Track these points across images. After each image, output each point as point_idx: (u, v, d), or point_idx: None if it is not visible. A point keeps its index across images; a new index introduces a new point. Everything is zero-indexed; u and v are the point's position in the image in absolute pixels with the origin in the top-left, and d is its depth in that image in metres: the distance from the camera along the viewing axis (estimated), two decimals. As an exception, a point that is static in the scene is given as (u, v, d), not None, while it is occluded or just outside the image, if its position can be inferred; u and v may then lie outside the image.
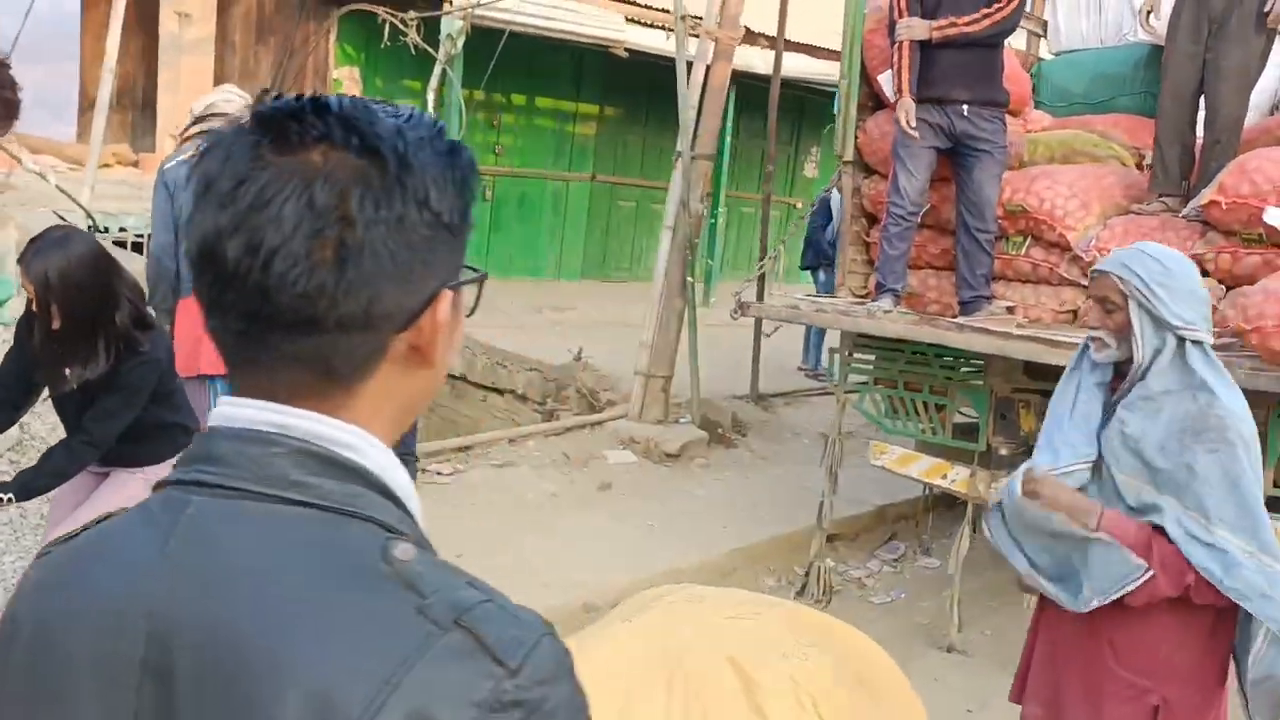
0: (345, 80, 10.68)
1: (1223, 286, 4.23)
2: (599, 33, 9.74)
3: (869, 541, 6.21)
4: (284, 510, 0.75)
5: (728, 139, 12.23)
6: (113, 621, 0.75)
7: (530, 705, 0.71)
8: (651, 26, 10.24)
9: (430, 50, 9.17)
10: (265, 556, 0.74)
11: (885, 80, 4.94)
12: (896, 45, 4.62)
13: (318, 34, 10.53)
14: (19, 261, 3.03)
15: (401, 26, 9.35)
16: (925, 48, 4.60)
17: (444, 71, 9.10)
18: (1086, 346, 2.43)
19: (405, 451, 5.67)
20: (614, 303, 11.48)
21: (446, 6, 8.99)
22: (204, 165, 0.78)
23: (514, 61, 9.96)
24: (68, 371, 3.07)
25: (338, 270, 0.75)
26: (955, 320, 4.57)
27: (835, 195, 9.42)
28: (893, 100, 4.80)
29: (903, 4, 4.64)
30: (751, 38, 11.24)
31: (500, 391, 9.01)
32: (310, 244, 0.74)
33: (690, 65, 7.00)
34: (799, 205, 14.62)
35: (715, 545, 5.46)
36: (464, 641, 0.71)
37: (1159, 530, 2.20)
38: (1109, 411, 2.31)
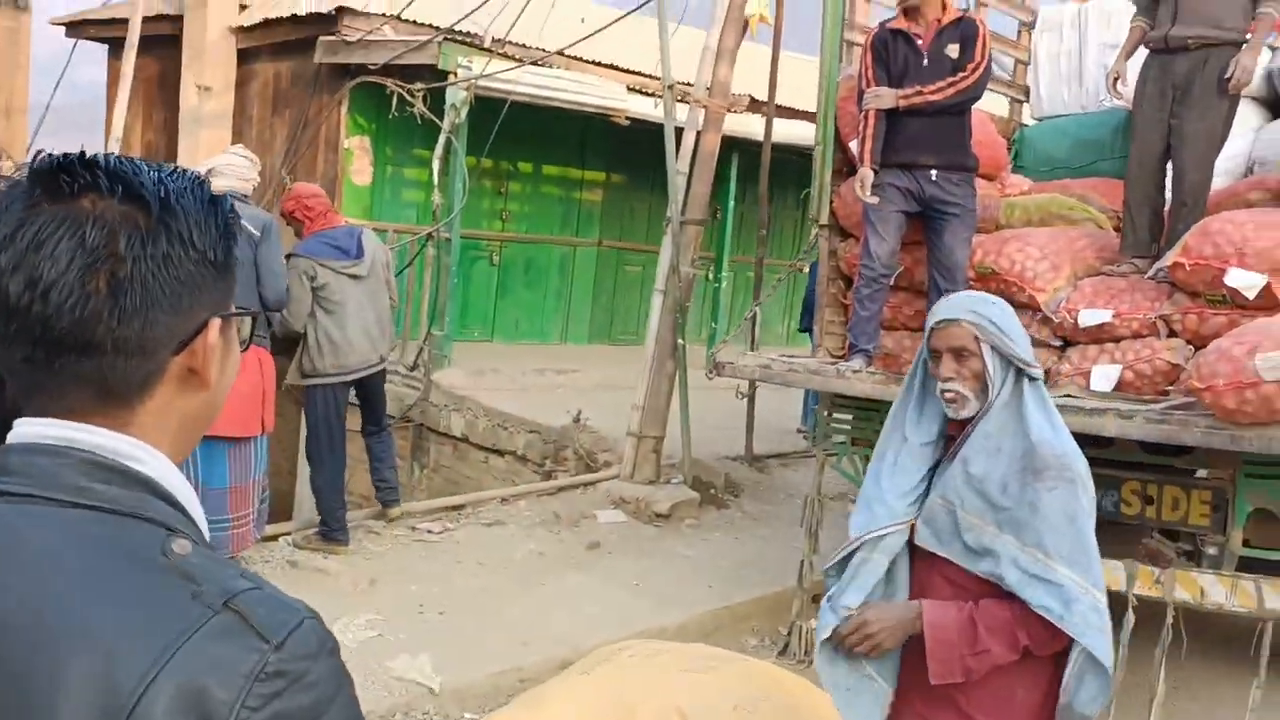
0: (356, 149, 10.93)
1: (1190, 346, 4.28)
2: (601, 102, 9.95)
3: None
4: (71, 513, 0.84)
5: (731, 204, 12.42)
6: None
7: (292, 676, 0.80)
8: (653, 95, 10.46)
9: (436, 120, 9.42)
10: (52, 550, 0.83)
11: (856, 146, 5.06)
12: (862, 116, 4.75)
13: (329, 106, 10.80)
14: None
15: (409, 97, 9.63)
16: (893, 114, 4.73)
17: (449, 140, 9.33)
18: (905, 404, 2.44)
19: (377, 429, 5.76)
20: (618, 366, 11.56)
21: (451, 78, 9.23)
22: (8, 217, 0.88)
23: (520, 130, 10.18)
24: None
25: (111, 299, 0.86)
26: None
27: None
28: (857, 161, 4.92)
29: (870, 74, 4.78)
30: (755, 105, 11.47)
31: (501, 453, 9.08)
32: (84, 276, 0.85)
33: (681, 132, 7.16)
34: (804, 269, 14.76)
35: (699, 605, 5.47)
36: (233, 621, 0.80)
37: (992, 587, 2.22)
38: (951, 455, 2.34)
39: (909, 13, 4.79)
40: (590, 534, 6.33)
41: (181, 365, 0.91)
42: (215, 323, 0.93)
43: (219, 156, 5.05)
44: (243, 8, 11.47)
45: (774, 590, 5.77)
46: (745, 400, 8.11)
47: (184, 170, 0.93)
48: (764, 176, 7.57)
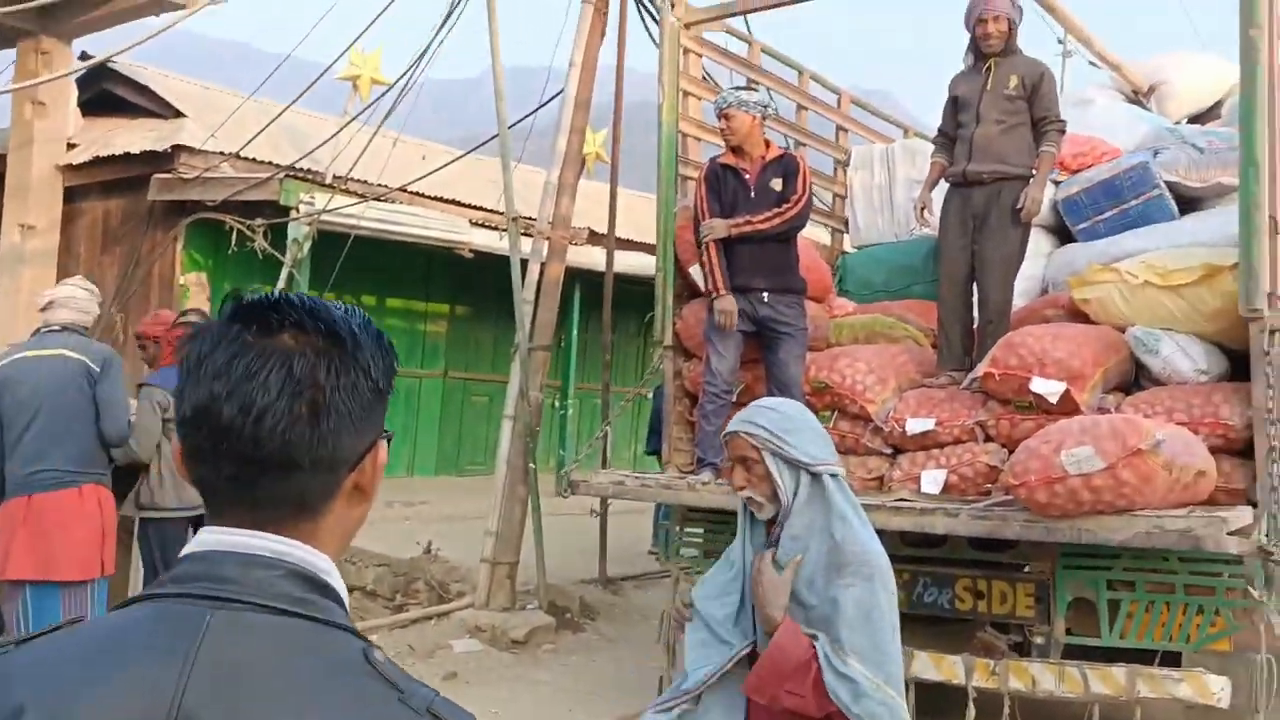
0: (192, 285, 10.78)
1: (1005, 450, 4.65)
2: (445, 235, 10.15)
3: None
4: (287, 621, 0.94)
5: (574, 333, 12.71)
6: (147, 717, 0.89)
7: None
8: (495, 228, 10.74)
9: (277, 255, 9.42)
10: (280, 658, 0.92)
11: (695, 272, 5.38)
12: (704, 246, 5.07)
13: (164, 243, 10.67)
14: None
15: (249, 232, 9.62)
16: (727, 243, 5.07)
17: (291, 274, 9.33)
18: (745, 508, 2.61)
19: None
20: (467, 496, 11.52)
21: (294, 213, 9.29)
22: (193, 346, 1.01)
23: (363, 264, 10.24)
24: None
25: (312, 424, 0.98)
26: None
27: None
28: (705, 289, 5.23)
29: (705, 205, 5.13)
30: (595, 238, 11.88)
31: (349, 589, 8.87)
32: (291, 403, 0.97)
33: (526, 263, 7.40)
34: (649, 395, 15.14)
35: (559, 730, 5.47)
36: None
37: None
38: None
39: (736, 150, 5.20)
40: (446, 665, 6.25)
41: (353, 481, 1.03)
42: (382, 443, 1.06)
43: (59, 289, 4.97)
44: (71, 146, 11.28)
45: (634, 710, 5.80)
46: (598, 522, 8.22)
47: (355, 309, 1.06)
48: (607, 304, 7.86)
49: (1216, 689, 4.02)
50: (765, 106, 5.20)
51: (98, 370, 4.67)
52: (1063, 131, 5.05)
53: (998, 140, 4.99)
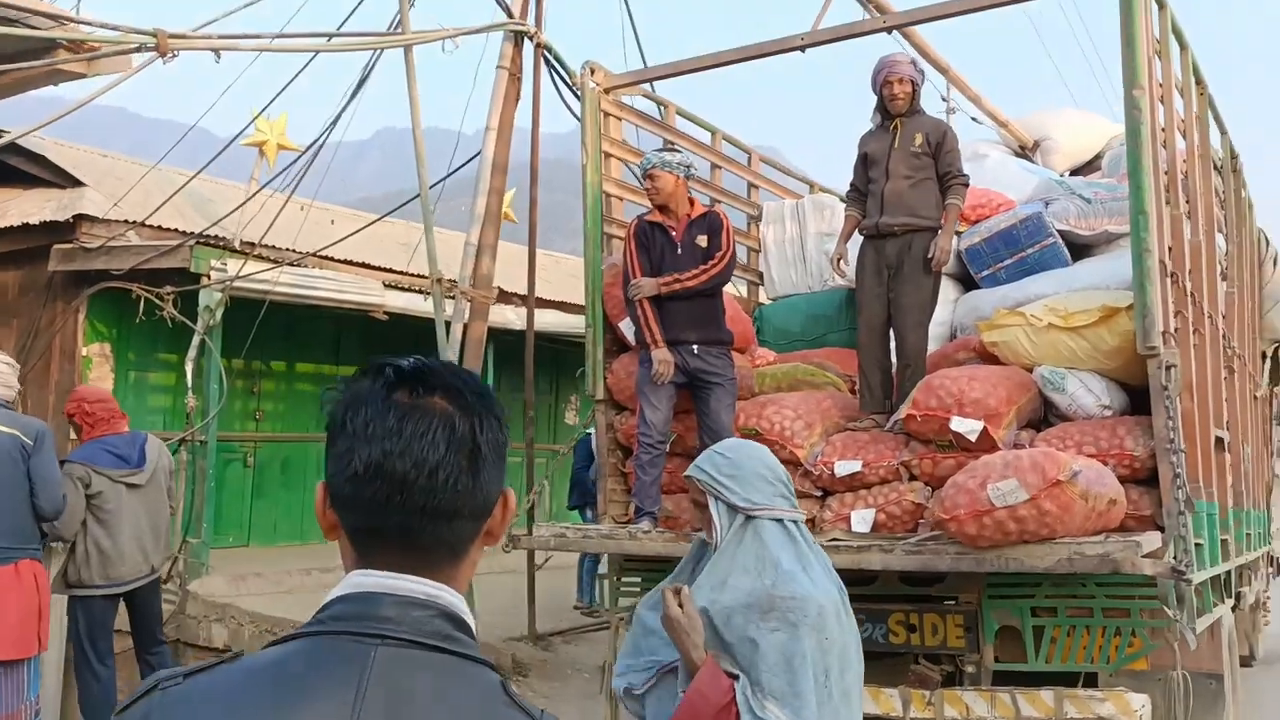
0: (95, 356, 10.53)
1: (929, 487, 4.88)
2: (359, 298, 10.14)
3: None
4: (440, 657, 1.06)
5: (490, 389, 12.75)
6: None
7: None
8: (408, 290, 10.77)
9: (189, 322, 9.31)
10: (438, 688, 1.05)
11: (625, 327, 5.54)
12: (637, 303, 5.23)
13: (65, 314, 10.42)
14: None
15: (158, 301, 9.48)
16: (656, 298, 5.25)
17: (203, 342, 9.22)
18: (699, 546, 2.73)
19: (154, 644, 5.48)
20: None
21: (204, 280, 9.19)
22: (353, 411, 1.12)
23: (271, 329, 10.14)
24: None
25: (473, 475, 1.12)
26: None
27: (594, 437, 10.00)
28: (634, 344, 5.38)
29: (635, 261, 5.30)
30: (505, 297, 11.97)
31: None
32: (457, 458, 1.10)
33: (449, 324, 7.47)
34: (563, 450, 15.20)
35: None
36: None
37: None
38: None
39: (662, 209, 5.39)
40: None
41: (488, 527, 1.17)
42: (510, 490, 1.18)
43: None
44: (-40, 218, 10.98)
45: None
46: (519, 580, 8.25)
47: (473, 372, 1.25)
48: (529, 362, 7.98)
49: (1137, 706, 4.26)
50: (688, 166, 5.42)
51: (31, 444, 4.61)
52: (966, 185, 5.38)
53: (907, 194, 5.28)
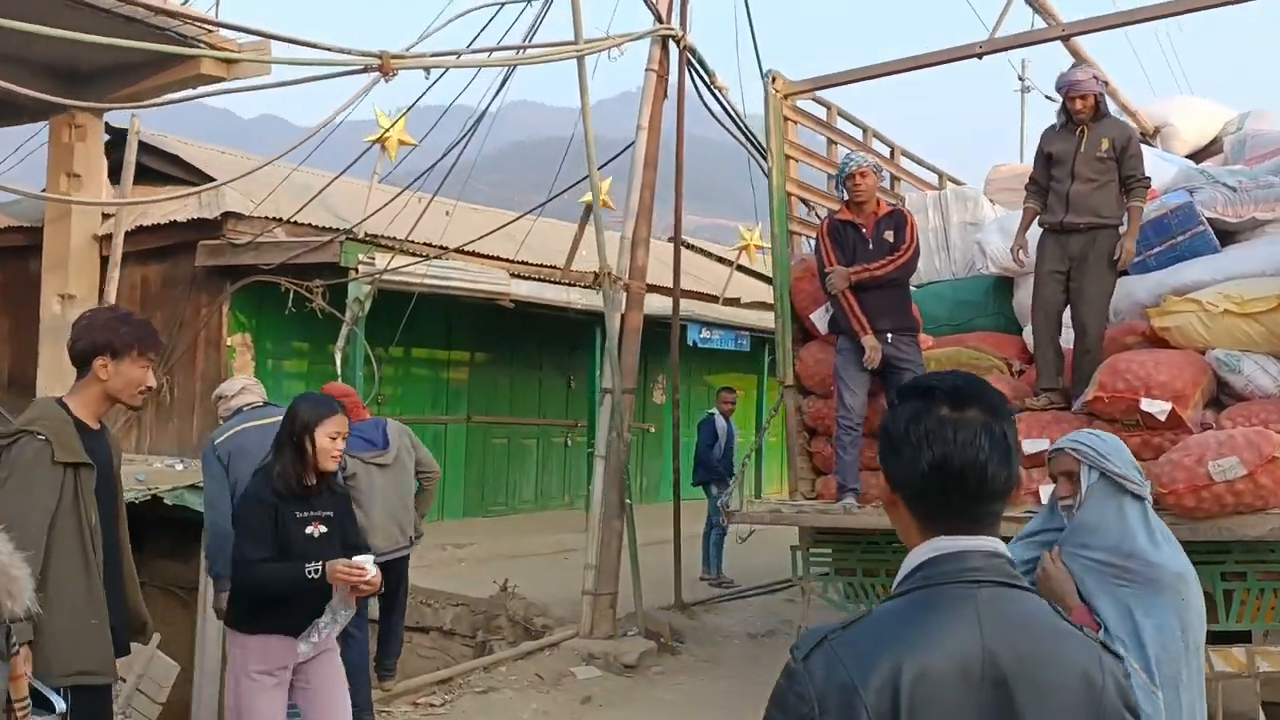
0: (238, 346, 11.11)
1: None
2: (490, 287, 10.64)
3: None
4: (1015, 590, 1.51)
5: (597, 373, 13.23)
6: (965, 664, 1.43)
7: None
8: (531, 279, 11.27)
9: (337, 314, 9.84)
10: (1028, 612, 1.50)
11: (817, 318, 5.97)
12: (841, 295, 5.66)
13: (210, 306, 10.99)
14: None
15: (307, 295, 10.01)
16: (856, 290, 5.68)
17: (351, 332, 9.75)
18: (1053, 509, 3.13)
19: (394, 607, 6.05)
20: (502, 536, 11.99)
21: (352, 274, 9.71)
22: (914, 425, 1.55)
23: (387, 316, 10.55)
24: None
25: (1007, 467, 1.54)
26: None
27: (719, 418, 10.45)
28: (826, 332, 5.81)
29: (830, 255, 5.73)
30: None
31: (425, 630, 9.23)
32: (998, 455, 1.53)
33: (599, 316, 7.92)
34: (652, 429, 15.71)
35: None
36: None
37: None
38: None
39: (853, 207, 5.81)
40: (577, 690, 6.71)
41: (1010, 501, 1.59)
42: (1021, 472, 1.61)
43: (236, 380, 5.50)
44: (105, 217, 11.56)
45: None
46: (646, 553, 8.74)
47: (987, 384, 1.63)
48: (674, 350, 8.41)
49: (1321, 659, 4.67)
50: (880, 167, 5.83)
51: None
52: (1148, 188, 5.73)
53: (1092, 196, 5.65)
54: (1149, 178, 5.77)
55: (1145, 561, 2.86)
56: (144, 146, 11.83)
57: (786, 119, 6.30)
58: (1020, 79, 18.51)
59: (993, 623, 1.45)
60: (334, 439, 3.61)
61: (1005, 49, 5.77)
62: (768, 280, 15.77)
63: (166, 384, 10.99)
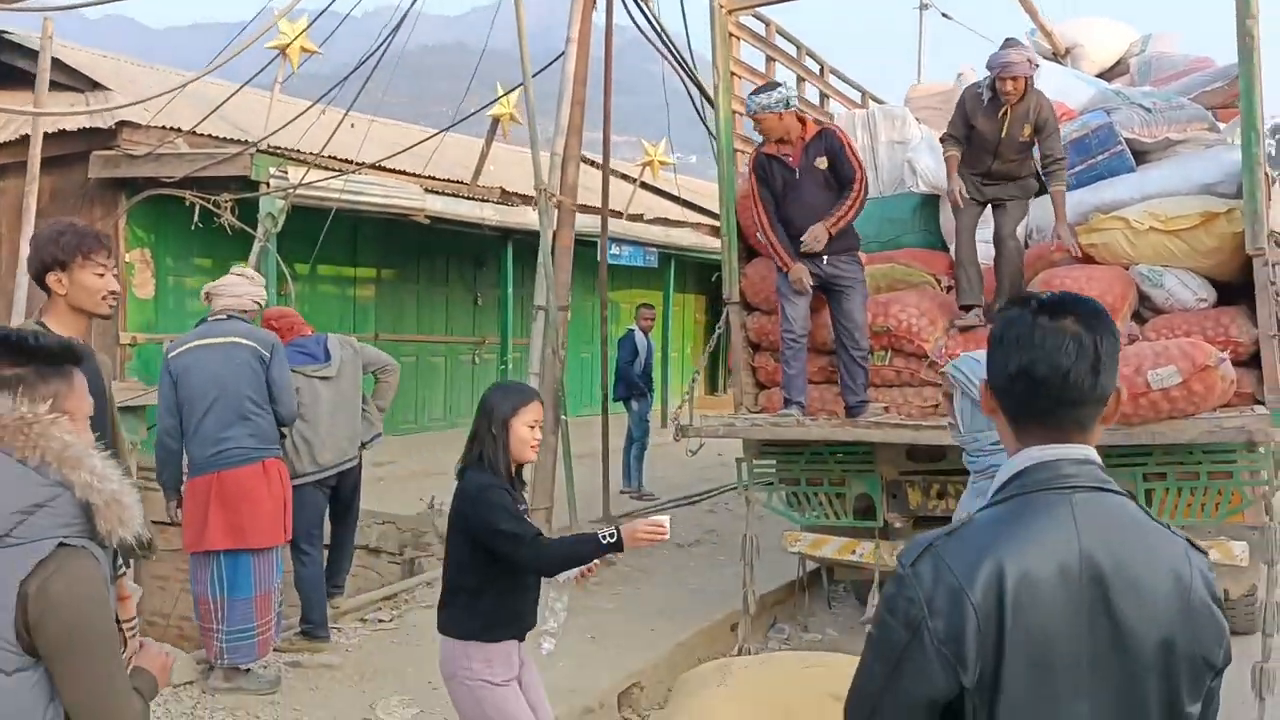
0: (137, 262, 10.69)
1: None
2: (405, 203, 10.43)
3: (756, 628, 7.10)
4: (1104, 493, 1.60)
5: (509, 290, 13.16)
6: (1064, 564, 1.54)
7: None
8: (447, 195, 11.08)
9: (249, 229, 9.53)
10: (1119, 513, 1.60)
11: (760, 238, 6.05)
12: (762, 232, 5.84)
13: (105, 221, 10.51)
14: None
15: (214, 209, 9.66)
16: (785, 218, 5.81)
17: (264, 248, 9.48)
18: None
19: (346, 519, 6.03)
20: (420, 452, 11.97)
21: (264, 188, 9.40)
22: (1008, 329, 1.65)
23: (295, 233, 10.28)
24: None
25: (1094, 376, 1.61)
26: (873, 420, 5.64)
27: (638, 334, 10.56)
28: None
29: (760, 206, 5.83)
30: (525, 199, 12.33)
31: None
32: (1083, 364, 1.60)
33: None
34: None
35: (656, 646, 6.16)
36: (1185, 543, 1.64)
37: None
38: None
39: (777, 141, 5.84)
40: (520, 603, 6.82)
41: (1104, 411, 1.65)
42: (1121, 386, 1.66)
43: (222, 280, 5.30)
44: (-12, 125, 10.89)
45: (704, 624, 6.57)
46: (597, 467, 8.88)
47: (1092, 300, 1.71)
48: (603, 266, 8.42)
49: (1238, 552, 5.08)
50: (786, 100, 5.75)
51: (268, 355, 5.02)
52: (1065, 167, 5.90)
53: (1013, 170, 5.92)
54: (1065, 153, 5.95)
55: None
56: (14, 47, 11.11)
57: (731, 34, 6.30)
58: (921, -2, 18.82)
59: (1088, 525, 1.55)
60: (531, 428, 3.36)
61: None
62: (672, 198, 15.90)
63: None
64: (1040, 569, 1.53)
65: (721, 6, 6.19)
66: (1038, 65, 6.05)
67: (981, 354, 3.45)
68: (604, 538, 3.17)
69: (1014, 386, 1.64)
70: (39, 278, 3.22)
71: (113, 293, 3.28)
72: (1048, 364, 1.60)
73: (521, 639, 3.42)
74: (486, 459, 3.32)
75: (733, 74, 6.30)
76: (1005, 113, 5.88)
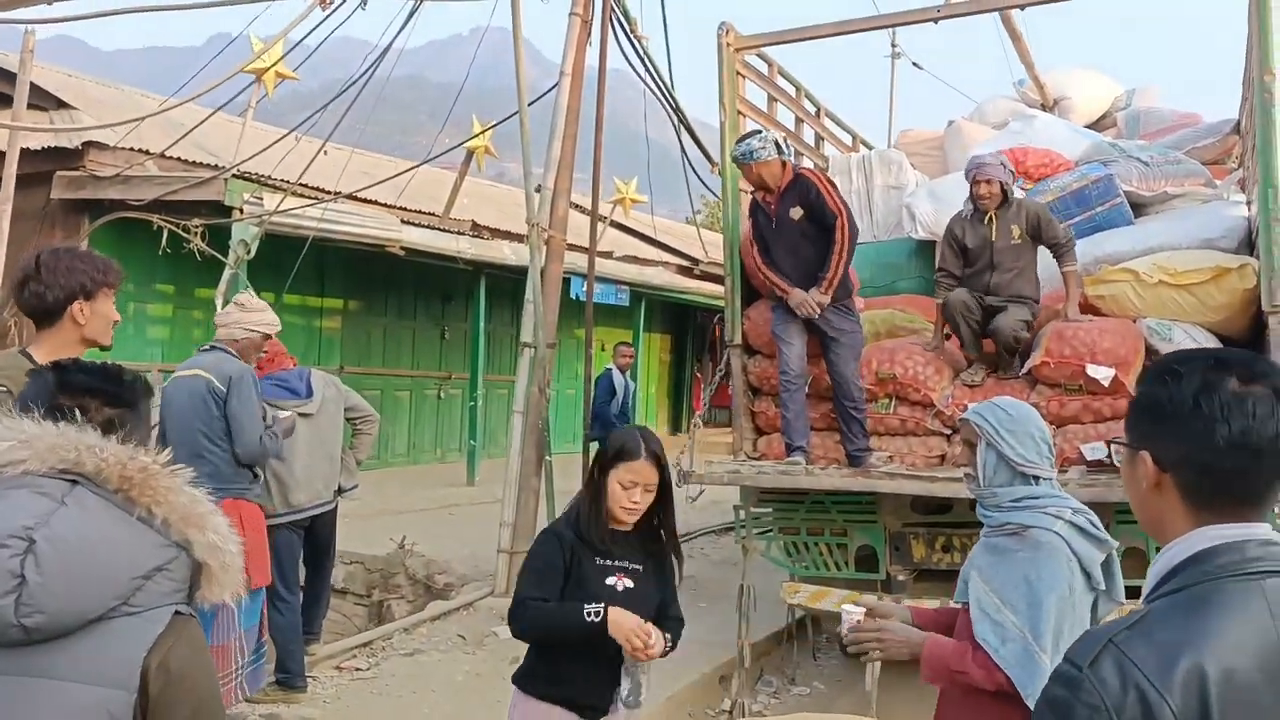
0: (99, 287, 10.31)
1: (1053, 426, 5.47)
2: (380, 234, 10.20)
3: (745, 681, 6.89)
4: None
5: (481, 325, 12.92)
6: (1266, 661, 1.36)
7: None
8: (425, 227, 10.87)
9: (219, 256, 9.24)
10: None
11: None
12: (759, 270, 5.72)
13: (66, 243, 10.14)
14: None
15: (183, 234, 9.37)
16: (778, 263, 5.68)
17: (235, 275, 9.19)
18: None
19: (323, 564, 5.73)
20: (385, 489, 11.63)
21: (237, 214, 9.13)
22: (1205, 396, 1.45)
23: (265, 261, 10.01)
24: None
25: None
26: (885, 470, 5.47)
27: (616, 373, 10.38)
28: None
29: (754, 250, 5.73)
30: (502, 234, 12.14)
31: (317, 590, 8.88)
32: None
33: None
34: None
35: (646, 701, 5.91)
36: None
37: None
38: None
39: (762, 188, 5.73)
40: (503, 650, 6.54)
41: None
42: None
43: (234, 306, 5.10)
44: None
45: (696, 675, 6.35)
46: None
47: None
48: (589, 304, 8.25)
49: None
50: (763, 149, 5.60)
51: (223, 389, 4.72)
52: (1073, 245, 5.80)
53: (1013, 283, 5.77)
54: (1072, 236, 5.87)
55: (1043, 531, 2.68)
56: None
57: (738, 74, 6.20)
58: (893, 45, 18.89)
59: None
60: (627, 489, 2.99)
61: (964, 14, 5.81)
62: (643, 237, 15.80)
63: (15, 327, 10.15)
64: (1244, 667, 1.35)
65: (729, 45, 6.09)
66: (1012, 171, 5.96)
67: (1006, 402, 3.27)
68: (588, 615, 2.90)
69: (1222, 462, 1.45)
70: (59, 307, 2.95)
71: (117, 322, 3.07)
72: (1263, 433, 1.43)
73: (577, 713, 3.11)
74: (582, 505, 3.09)
75: (739, 112, 6.18)
76: (991, 219, 5.81)
